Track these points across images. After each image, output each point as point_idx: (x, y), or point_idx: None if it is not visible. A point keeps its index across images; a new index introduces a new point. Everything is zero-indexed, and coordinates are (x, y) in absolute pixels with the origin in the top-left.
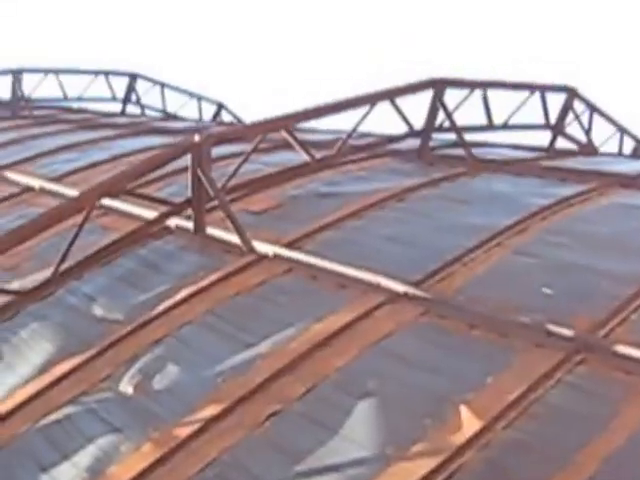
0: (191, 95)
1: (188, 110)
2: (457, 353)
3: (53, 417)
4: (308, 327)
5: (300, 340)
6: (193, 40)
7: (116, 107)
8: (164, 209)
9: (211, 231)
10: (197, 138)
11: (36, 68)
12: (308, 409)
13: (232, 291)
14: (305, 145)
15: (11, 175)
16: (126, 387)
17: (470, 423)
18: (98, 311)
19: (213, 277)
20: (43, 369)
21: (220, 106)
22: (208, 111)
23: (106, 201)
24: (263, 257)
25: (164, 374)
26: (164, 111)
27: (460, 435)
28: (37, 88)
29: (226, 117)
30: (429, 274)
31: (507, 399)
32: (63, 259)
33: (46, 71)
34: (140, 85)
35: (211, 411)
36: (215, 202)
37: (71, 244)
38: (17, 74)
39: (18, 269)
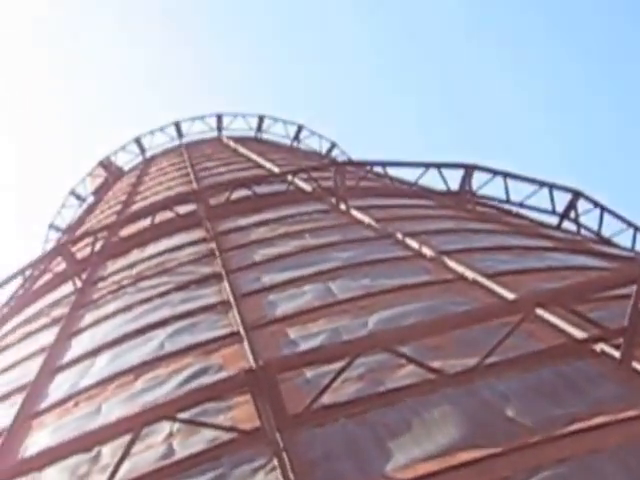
0: None
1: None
2: None
3: None
4: None
5: None
6: None
7: (552, 219)
8: (595, 331)
9: (637, 366)
10: None
11: (487, 167)
12: None
13: None
14: None
15: (448, 261)
16: None
17: None
18: (510, 412)
19: (631, 412)
20: (446, 451)
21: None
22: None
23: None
24: None
25: None
26: (599, 234)
27: None
28: (484, 186)
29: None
30: None
31: None
32: (489, 353)
33: (496, 172)
34: (581, 204)
35: None
36: None
37: (501, 342)
38: (469, 169)
39: (442, 350)
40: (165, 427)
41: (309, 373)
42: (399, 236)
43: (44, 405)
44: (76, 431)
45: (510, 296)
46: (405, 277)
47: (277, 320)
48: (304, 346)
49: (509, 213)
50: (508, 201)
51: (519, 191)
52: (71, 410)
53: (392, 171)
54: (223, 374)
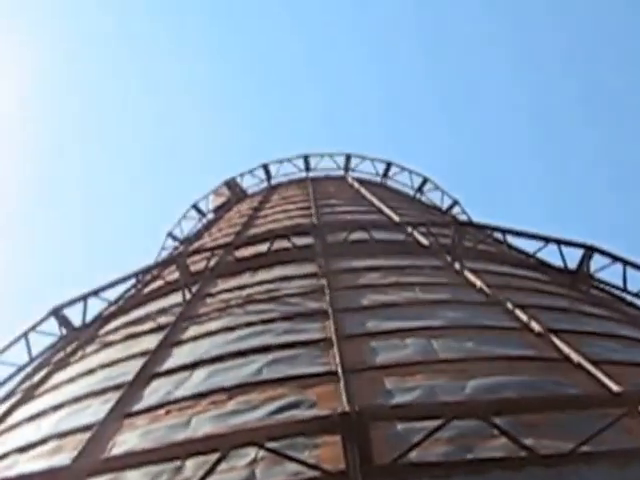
0: None
1: None
2: None
3: None
4: None
5: None
6: None
7: None
8: None
9: None
10: None
11: (608, 252)
12: None
13: None
14: None
15: (555, 340)
16: None
17: None
18: None
19: None
20: None
21: None
22: None
23: None
24: None
25: None
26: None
27: None
28: (602, 270)
29: None
30: None
31: None
32: (585, 441)
33: (616, 258)
34: None
35: None
36: None
37: (599, 432)
38: (589, 250)
39: (536, 428)
40: (250, 452)
41: (400, 426)
42: (509, 305)
43: (137, 408)
44: (164, 439)
45: (614, 387)
46: (509, 348)
47: (376, 367)
48: (399, 398)
49: (624, 301)
50: (625, 289)
51: (637, 280)
52: (162, 417)
53: (511, 239)
54: (314, 411)
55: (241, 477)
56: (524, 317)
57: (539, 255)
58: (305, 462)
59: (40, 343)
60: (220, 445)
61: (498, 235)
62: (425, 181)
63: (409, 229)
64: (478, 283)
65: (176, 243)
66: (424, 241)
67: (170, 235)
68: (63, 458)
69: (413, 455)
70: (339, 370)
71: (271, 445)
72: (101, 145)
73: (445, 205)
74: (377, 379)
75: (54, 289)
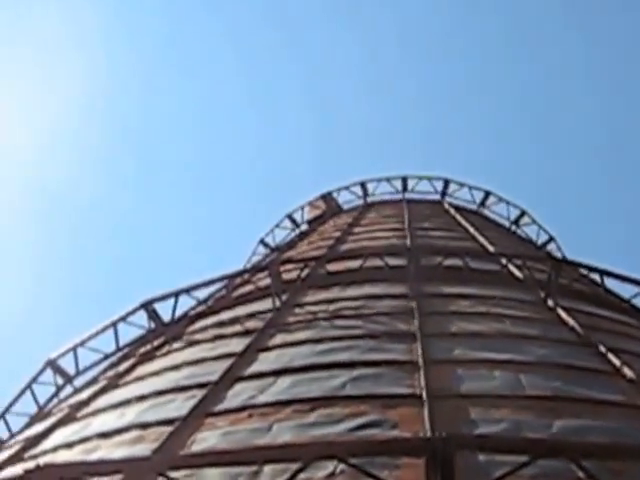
0: None
1: None
2: None
3: None
4: None
5: None
6: None
7: None
8: None
9: None
10: None
11: None
12: None
13: None
14: None
15: None
16: None
17: None
18: None
19: None
20: None
21: None
22: None
23: None
24: None
25: None
26: None
27: None
28: None
29: None
30: None
31: None
32: None
33: None
34: None
35: None
36: None
37: None
38: None
39: (622, 476)
40: (329, 466)
41: (481, 457)
42: (602, 348)
43: (219, 408)
44: (244, 442)
45: None
46: (599, 391)
47: (461, 395)
48: (483, 429)
49: None
50: None
51: None
52: (243, 420)
53: (607, 280)
54: (395, 432)
55: None
56: (616, 361)
57: (635, 301)
58: None
59: (128, 334)
60: (303, 454)
61: (594, 275)
62: (522, 214)
63: (503, 260)
64: (571, 322)
65: (267, 250)
66: (518, 274)
67: (262, 242)
68: (143, 448)
69: None
70: (423, 394)
71: (353, 461)
72: (210, 147)
73: (541, 240)
74: (461, 407)
75: (144, 285)
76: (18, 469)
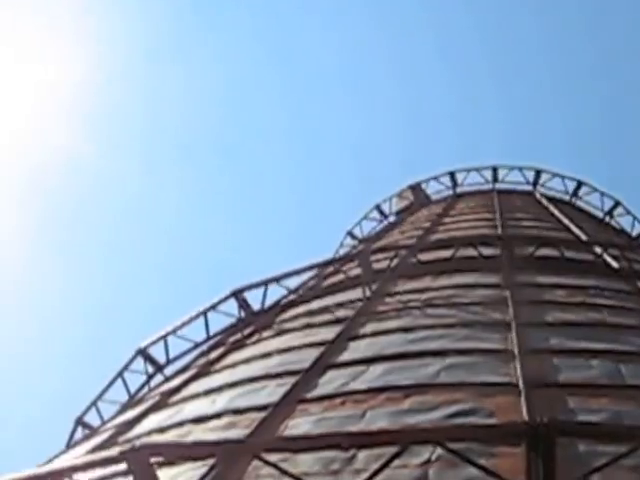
0: None
1: None
2: None
3: None
4: None
5: None
6: None
7: None
8: None
9: None
10: None
11: None
12: None
13: None
14: None
15: None
16: None
17: None
18: None
19: None
20: None
21: None
22: None
23: None
24: None
25: None
26: None
27: None
28: None
29: None
30: None
31: None
32: None
33: None
34: None
35: None
36: None
37: None
38: None
39: None
40: (424, 452)
41: (581, 447)
42: None
43: (311, 395)
44: (338, 427)
45: None
46: None
47: (558, 385)
48: (582, 419)
49: None
50: None
51: None
52: (337, 407)
53: None
54: (492, 420)
55: (413, 476)
56: None
57: None
58: (487, 468)
59: (218, 322)
60: (400, 440)
61: None
62: (617, 204)
63: (599, 250)
64: None
65: (354, 242)
66: (614, 264)
67: (349, 234)
68: (236, 434)
69: (594, 479)
70: (520, 383)
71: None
72: (305, 144)
73: (635, 232)
74: (559, 397)
75: (235, 274)
76: (113, 451)
